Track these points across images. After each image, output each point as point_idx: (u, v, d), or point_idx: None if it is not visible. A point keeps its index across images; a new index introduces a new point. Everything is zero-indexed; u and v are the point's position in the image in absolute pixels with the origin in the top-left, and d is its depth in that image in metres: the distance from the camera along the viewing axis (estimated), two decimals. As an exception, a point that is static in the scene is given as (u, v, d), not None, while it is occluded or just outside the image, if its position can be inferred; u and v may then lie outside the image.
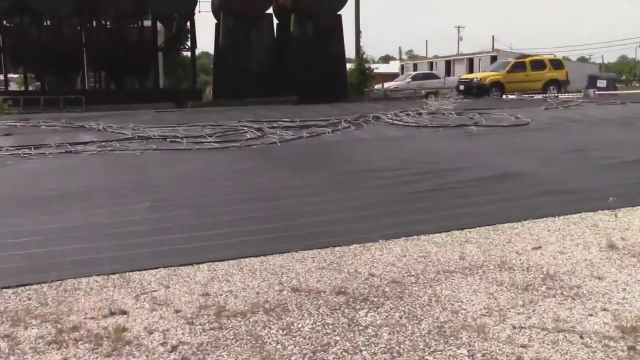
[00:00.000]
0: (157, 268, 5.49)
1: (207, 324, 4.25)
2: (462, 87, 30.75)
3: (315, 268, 5.40)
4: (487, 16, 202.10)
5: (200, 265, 5.55)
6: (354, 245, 6.03)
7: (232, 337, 4.02)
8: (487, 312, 4.28)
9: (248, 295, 4.80)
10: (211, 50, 37.42)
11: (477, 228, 6.52)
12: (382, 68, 55.71)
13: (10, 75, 36.66)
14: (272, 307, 4.53)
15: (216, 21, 33.22)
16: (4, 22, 30.92)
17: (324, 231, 6.54)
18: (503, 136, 13.46)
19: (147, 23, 33.29)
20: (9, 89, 34.00)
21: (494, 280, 4.93)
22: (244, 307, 4.53)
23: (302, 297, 4.70)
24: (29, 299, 4.86)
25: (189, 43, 35.59)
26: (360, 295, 4.70)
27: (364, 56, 39.45)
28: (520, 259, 5.47)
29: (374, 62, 55.16)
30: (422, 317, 4.23)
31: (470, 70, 45.85)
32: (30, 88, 34.70)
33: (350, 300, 4.60)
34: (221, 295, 4.82)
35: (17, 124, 16.55)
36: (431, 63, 56.67)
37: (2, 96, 26.47)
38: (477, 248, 5.85)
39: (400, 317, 4.24)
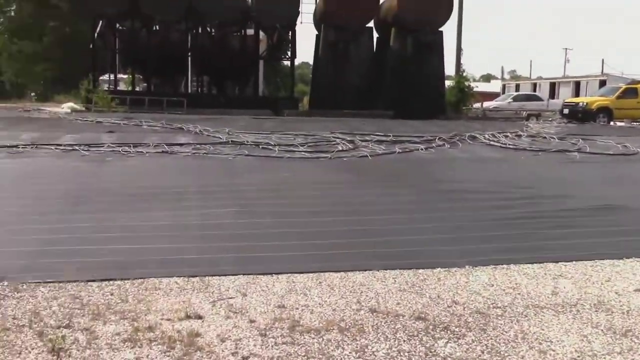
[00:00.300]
0: (236, 275, 5.47)
1: (279, 338, 4.15)
2: (566, 111, 29.48)
3: (396, 289, 5.20)
4: (597, 39, 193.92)
5: (279, 276, 5.48)
6: (439, 269, 5.78)
7: (303, 354, 3.89)
8: (579, 356, 3.94)
9: (324, 311, 4.67)
10: (311, 61, 37.82)
11: (574, 262, 6.08)
12: (482, 87, 54.56)
13: (119, 76, 38.57)
14: (347, 326, 4.37)
15: (317, 33, 33.60)
16: (117, 26, 32.58)
17: (408, 251, 6.32)
18: (608, 165, 12.71)
19: (250, 32, 34.10)
20: (118, 88, 35.71)
21: (588, 321, 4.55)
22: (319, 324, 4.40)
23: (380, 319, 4.52)
24: (111, 294, 4.95)
25: (289, 53, 36.19)
26: (441, 323, 4.46)
27: (464, 74, 38.73)
28: (620, 301, 5.04)
29: (474, 80, 54.10)
30: (506, 355, 3.94)
31: (576, 94, 44.01)
32: (137, 89, 36.35)
33: (430, 327, 4.37)
34: (297, 309, 4.71)
35: (120, 122, 17.38)
36: (534, 84, 54.85)
37: (111, 95, 27.85)
38: (572, 284, 5.45)
39: (482, 352, 3.97)
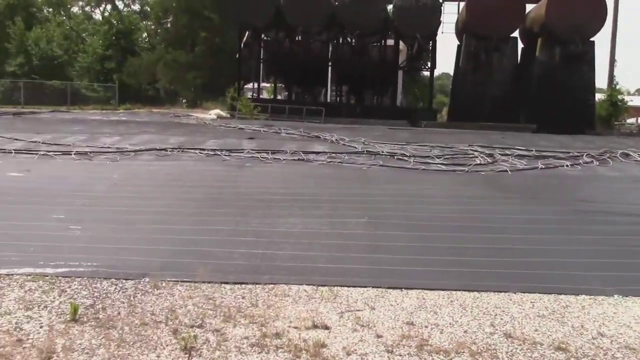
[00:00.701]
0: (365, 287, 5.39)
1: (406, 356, 4.01)
2: None
3: (534, 315, 4.87)
4: None
5: (409, 291, 5.33)
6: (583, 296, 5.35)
7: (431, 377, 3.73)
8: None
9: (455, 332, 4.46)
10: (451, 72, 37.11)
11: None
12: (637, 101, 50.75)
13: (263, 84, 40.01)
14: (479, 350, 4.14)
15: (458, 43, 32.91)
16: (263, 36, 33.84)
17: (548, 274, 5.92)
18: None
19: (390, 42, 34.07)
20: (261, 96, 37.07)
21: None
22: (449, 345, 4.20)
23: (515, 346, 4.24)
24: (243, 298, 5.05)
25: (429, 63, 35.74)
26: (584, 356, 4.10)
27: (617, 86, 36.19)
28: None
29: (628, 93, 50.46)
30: (661, 399, 3.53)
31: None
32: (278, 97, 37.52)
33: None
34: (426, 327, 4.54)
35: (261, 129, 17.98)
36: (699, 99, 50.21)
37: (254, 103, 28.94)
38: None
39: (632, 393, 3.59)
